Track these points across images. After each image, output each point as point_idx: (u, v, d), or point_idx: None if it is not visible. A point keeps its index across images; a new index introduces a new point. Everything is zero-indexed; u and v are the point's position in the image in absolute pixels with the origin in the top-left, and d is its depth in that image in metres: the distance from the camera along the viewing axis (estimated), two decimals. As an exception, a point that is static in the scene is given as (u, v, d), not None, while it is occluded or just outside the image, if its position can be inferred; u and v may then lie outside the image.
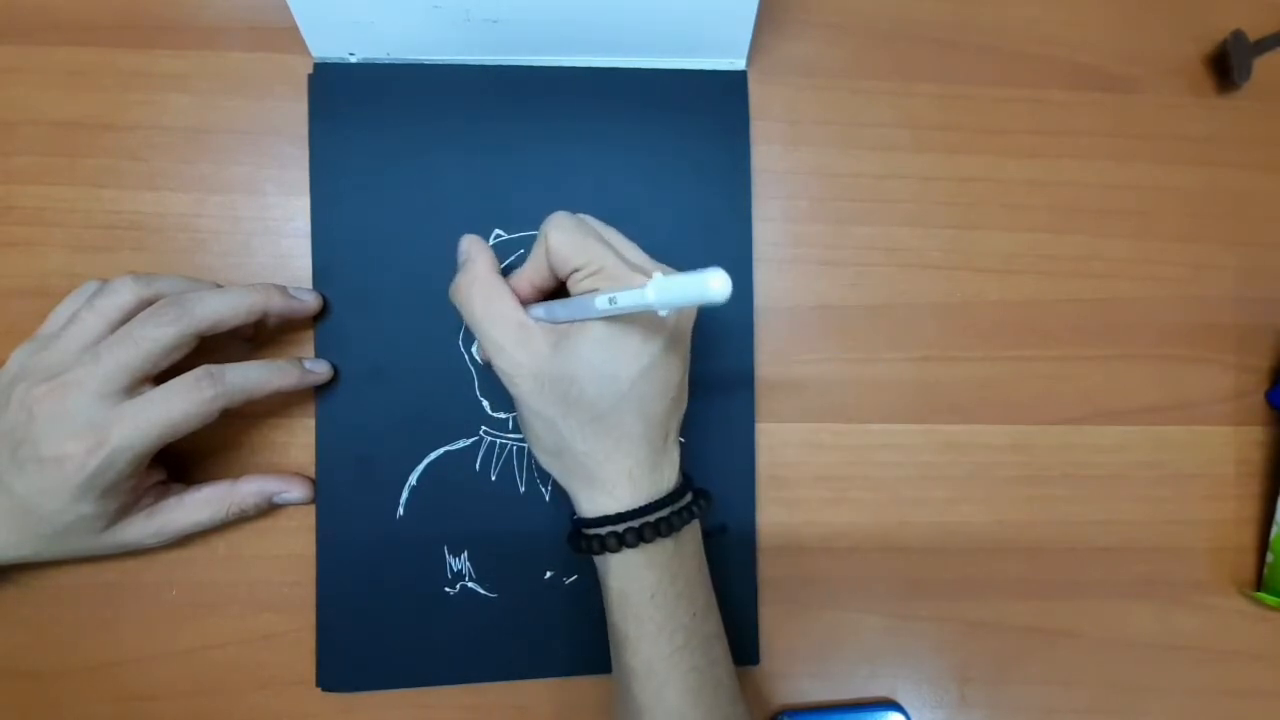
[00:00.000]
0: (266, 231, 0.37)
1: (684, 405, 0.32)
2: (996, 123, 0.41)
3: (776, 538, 0.39)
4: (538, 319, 0.30)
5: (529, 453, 0.37)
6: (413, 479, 0.36)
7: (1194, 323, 0.41)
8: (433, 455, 0.36)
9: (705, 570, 0.32)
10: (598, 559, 0.31)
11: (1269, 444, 0.41)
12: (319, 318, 0.36)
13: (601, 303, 0.26)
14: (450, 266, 0.37)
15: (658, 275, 0.23)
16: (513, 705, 0.37)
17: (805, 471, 0.39)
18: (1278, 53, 0.41)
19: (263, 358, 0.35)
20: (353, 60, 0.37)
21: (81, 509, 0.30)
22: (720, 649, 0.32)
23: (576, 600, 0.37)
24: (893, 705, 0.39)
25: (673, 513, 0.30)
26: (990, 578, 0.40)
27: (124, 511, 0.32)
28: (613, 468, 0.29)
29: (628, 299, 0.25)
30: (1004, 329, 0.40)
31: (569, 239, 0.29)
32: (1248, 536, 0.41)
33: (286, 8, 0.34)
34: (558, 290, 0.31)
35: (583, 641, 0.37)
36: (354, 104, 0.37)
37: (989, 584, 0.40)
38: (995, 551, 0.40)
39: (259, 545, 0.36)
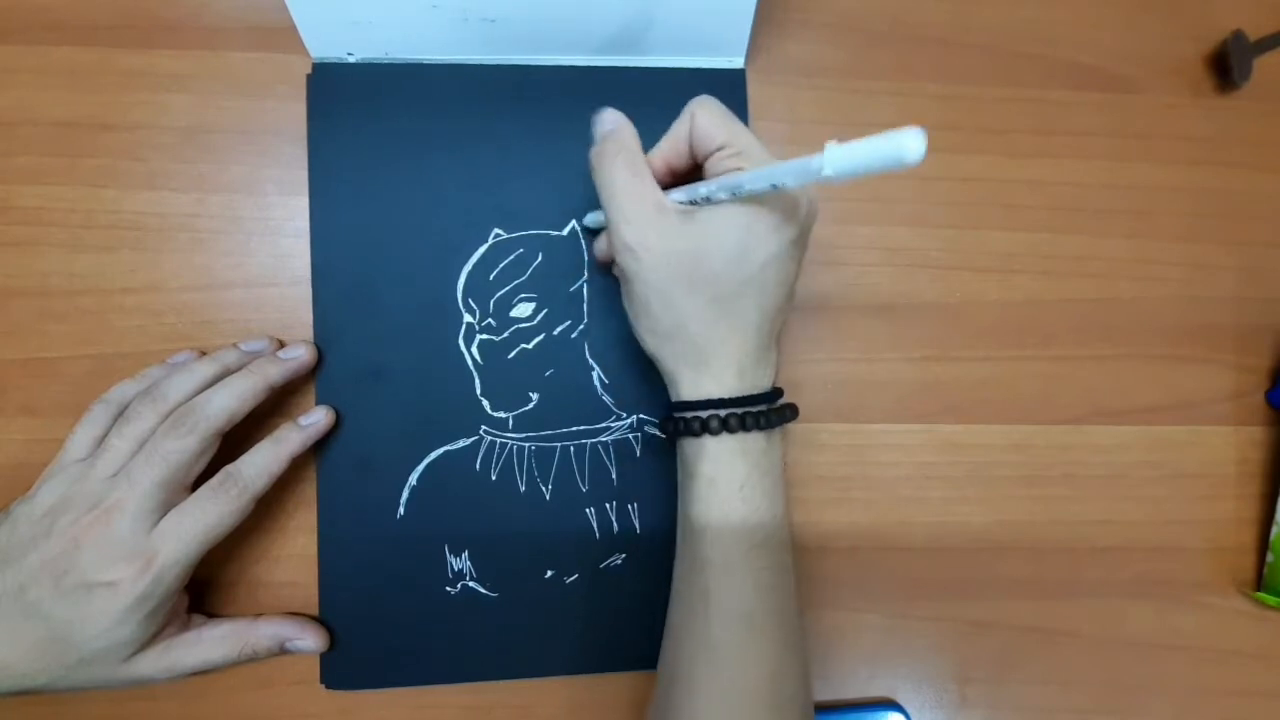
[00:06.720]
0: (266, 231, 0.37)
1: (790, 307, 0.31)
2: (996, 123, 0.41)
3: (776, 538, 0.39)
4: (675, 201, 0.29)
5: (531, 451, 0.37)
6: (413, 479, 0.36)
7: (1194, 323, 0.41)
8: (433, 455, 0.36)
9: (784, 478, 0.32)
10: (690, 444, 0.30)
11: (1269, 444, 0.41)
12: (319, 318, 0.36)
13: (753, 182, 0.25)
14: (449, 265, 0.37)
15: (832, 143, 0.21)
16: (513, 704, 0.37)
17: (805, 471, 0.39)
18: (1278, 53, 0.41)
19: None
20: (351, 60, 0.37)
21: (120, 633, 0.30)
22: (790, 558, 0.31)
23: (577, 600, 0.37)
24: (893, 705, 0.38)
25: (771, 409, 0.30)
26: (990, 578, 0.40)
27: (155, 638, 0.32)
28: (725, 352, 0.29)
29: (792, 172, 0.23)
30: (1004, 329, 0.40)
31: (716, 118, 0.29)
32: (1248, 536, 0.41)
33: (286, 8, 0.34)
34: (689, 173, 0.31)
35: (583, 640, 0.37)
36: (353, 104, 0.37)
37: (989, 584, 0.40)
38: (995, 551, 0.40)
39: (259, 545, 0.36)
